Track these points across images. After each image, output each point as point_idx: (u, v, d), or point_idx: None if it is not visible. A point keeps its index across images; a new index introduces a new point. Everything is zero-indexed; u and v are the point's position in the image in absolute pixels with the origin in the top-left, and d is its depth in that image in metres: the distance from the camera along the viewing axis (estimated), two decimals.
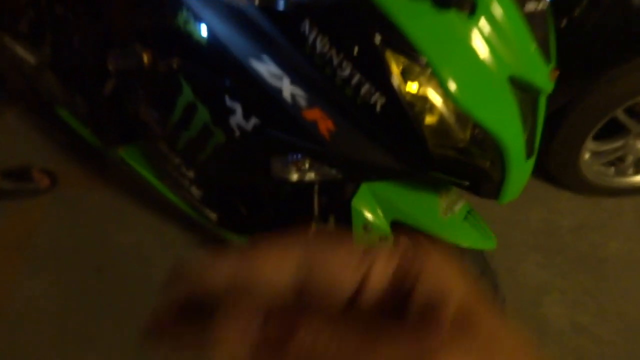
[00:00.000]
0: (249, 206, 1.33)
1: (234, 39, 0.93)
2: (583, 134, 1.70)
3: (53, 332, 1.48)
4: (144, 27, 1.15)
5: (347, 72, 0.80)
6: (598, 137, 1.78)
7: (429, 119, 0.81)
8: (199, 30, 0.97)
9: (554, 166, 1.88)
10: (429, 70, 0.79)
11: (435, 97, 0.80)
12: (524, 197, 1.99)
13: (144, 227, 1.75)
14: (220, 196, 1.28)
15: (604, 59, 1.51)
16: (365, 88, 0.80)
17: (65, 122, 1.69)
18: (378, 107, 0.81)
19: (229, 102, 0.96)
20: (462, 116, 0.82)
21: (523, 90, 0.85)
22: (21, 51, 1.61)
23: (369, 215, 1.06)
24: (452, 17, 0.78)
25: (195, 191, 1.27)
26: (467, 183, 0.91)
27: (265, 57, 0.89)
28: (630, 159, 1.85)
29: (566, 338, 1.63)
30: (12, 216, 1.74)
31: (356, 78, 0.80)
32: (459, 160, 0.87)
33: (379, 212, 1.06)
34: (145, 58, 1.08)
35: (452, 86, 0.79)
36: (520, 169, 0.90)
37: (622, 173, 1.91)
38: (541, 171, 2.04)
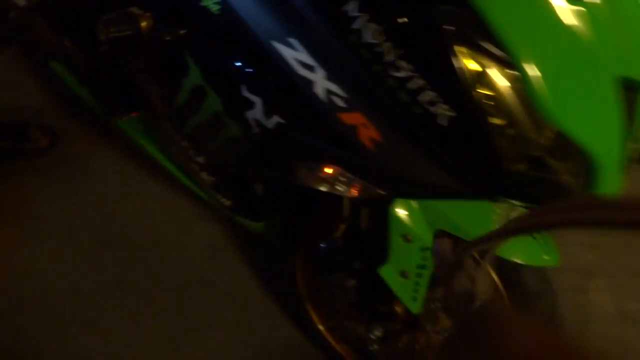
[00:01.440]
0: (265, 194, 1.17)
1: (255, 14, 0.72)
2: None
3: (56, 310, 1.38)
4: None
5: (403, 72, 0.61)
6: None
7: (508, 133, 0.62)
8: (215, 3, 0.76)
9: None
10: (514, 73, 0.59)
11: (518, 108, 0.61)
12: None
13: (150, 195, 1.61)
14: (234, 184, 1.12)
15: None
16: (426, 95, 0.61)
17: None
18: (442, 119, 0.61)
19: (246, 93, 0.77)
20: (540, 123, 0.62)
21: (633, 90, 0.65)
22: None
23: (410, 224, 0.89)
24: None
25: (206, 177, 1.11)
26: (539, 202, 0.73)
27: (294, 41, 0.69)
28: None
29: (612, 326, 1.51)
30: (8, 181, 1.59)
31: (415, 82, 0.60)
32: (534, 176, 0.69)
33: (422, 221, 0.89)
34: (144, 23, 0.88)
35: (544, 93, 0.59)
36: (609, 186, 0.71)
37: None
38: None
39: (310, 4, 0.65)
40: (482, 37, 0.58)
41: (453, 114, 0.60)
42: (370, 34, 0.60)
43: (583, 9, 0.57)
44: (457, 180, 0.69)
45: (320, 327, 1.32)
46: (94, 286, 1.43)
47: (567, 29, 0.58)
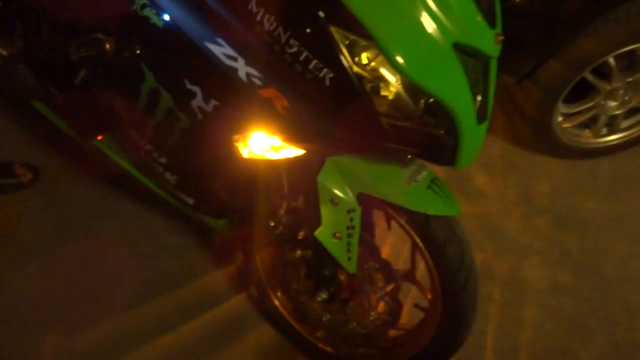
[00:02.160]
0: (224, 188, 1.36)
1: (189, 23, 0.94)
2: (553, 98, 1.72)
3: (42, 328, 1.52)
4: (104, 15, 1.17)
5: (294, 49, 0.82)
6: (569, 100, 1.81)
7: (379, 91, 0.83)
8: (156, 15, 0.98)
9: (528, 131, 1.91)
10: (374, 43, 0.80)
11: (382, 70, 0.82)
12: (500, 164, 2.04)
13: (127, 215, 1.78)
14: (195, 181, 1.31)
15: (567, 21, 1.52)
16: (312, 64, 0.82)
17: (42, 116, 1.71)
18: (327, 81, 0.83)
19: (189, 85, 0.98)
20: (412, 87, 0.84)
21: (469, 55, 0.87)
22: None
23: (335, 190, 1.09)
24: None
25: (169, 177, 1.30)
26: (421, 151, 0.93)
27: (220, 40, 0.91)
28: (602, 119, 1.88)
29: (546, 298, 1.68)
30: None
31: (303, 54, 0.82)
32: (412, 130, 0.89)
33: (345, 186, 1.09)
34: (107, 45, 1.10)
35: (398, 57, 0.80)
36: (473, 134, 0.91)
37: (596, 134, 1.94)
38: (515, 137, 2.07)
39: (226, 8, 0.88)
40: (343, 14, 0.79)
41: (332, 75, 0.81)
42: (268, 23, 0.82)
43: None
44: (353, 133, 0.89)
45: (283, 311, 1.49)
46: (77, 298, 1.58)
47: (407, 9, 0.80)
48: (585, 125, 1.93)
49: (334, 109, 0.86)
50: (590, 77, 1.70)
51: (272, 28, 0.83)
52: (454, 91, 0.86)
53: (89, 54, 1.08)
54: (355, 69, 0.82)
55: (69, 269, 1.64)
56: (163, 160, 1.26)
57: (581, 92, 1.81)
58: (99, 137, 1.47)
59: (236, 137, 0.99)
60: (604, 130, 1.94)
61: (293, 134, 0.93)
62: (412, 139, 0.90)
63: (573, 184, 1.98)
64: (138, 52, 1.05)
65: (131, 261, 1.67)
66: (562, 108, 1.80)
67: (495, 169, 2.02)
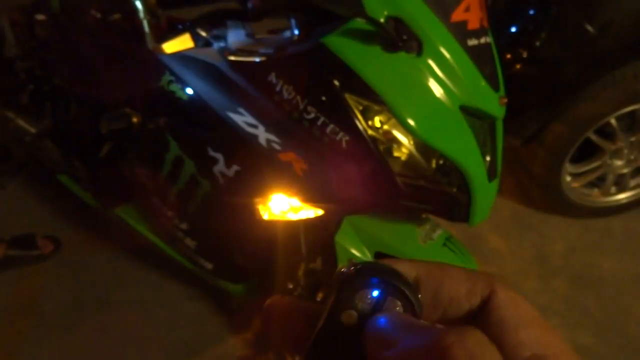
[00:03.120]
0: (242, 253, 1.39)
1: (212, 95, 1.02)
2: (560, 158, 1.76)
3: None
4: (132, 92, 1.26)
5: (312, 115, 0.89)
6: (576, 160, 1.85)
7: (393, 152, 0.89)
8: (181, 89, 1.06)
9: (538, 192, 1.94)
10: (386, 108, 0.87)
11: (395, 132, 0.88)
12: (512, 225, 2.06)
13: (144, 284, 1.80)
14: (214, 245, 1.34)
15: (568, 84, 1.60)
16: (329, 128, 0.88)
17: (66, 190, 1.78)
18: (344, 144, 0.88)
19: (211, 152, 1.04)
20: (424, 147, 0.89)
21: (476, 117, 0.93)
22: (22, 123, 1.71)
23: (352, 250, 1.12)
24: (403, 57, 0.87)
25: (189, 242, 1.33)
26: (436, 209, 0.97)
27: (241, 109, 0.98)
28: (610, 178, 1.91)
29: None
30: (18, 283, 1.79)
31: (321, 120, 0.88)
32: (426, 188, 0.93)
33: (362, 245, 1.12)
34: (134, 119, 1.17)
35: (410, 121, 0.86)
36: (485, 191, 0.96)
37: (605, 192, 1.96)
38: (526, 198, 2.10)
39: (247, 80, 0.95)
40: (357, 82, 0.86)
41: (348, 138, 0.87)
42: (287, 92, 0.89)
43: (420, 62, 0.87)
44: (369, 193, 0.94)
45: None
46: None
47: (414, 75, 0.87)
48: (594, 184, 1.96)
49: (351, 170, 0.91)
50: (594, 137, 1.75)
51: (290, 97, 0.90)
52: (464, 150, 0.91)
53: (118, 127, 1.15)
54: (370, 132, 0.87)
55: (87, 340, 1.64)
56: (184, 226, 1.30)
57: (588, 151, 1.86)
58: (120, 207, 1.52)
59: (257, 199, 1.04)
60: (613, 189, 1.97)
61: (312, 195, 0.97)
62: (427, 196, 0.94)
63: (587, 243, 1.98)
64: (163, 123, 1.12)
65: (148, 330, 1.66)
66: (569, 168, 1.84)
67: (509, 229, 2.04)
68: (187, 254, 1.40)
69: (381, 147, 0.88)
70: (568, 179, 1.88)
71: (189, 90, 1.05)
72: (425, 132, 0.87)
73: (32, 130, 1.70)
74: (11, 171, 2.19)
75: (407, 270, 0.24)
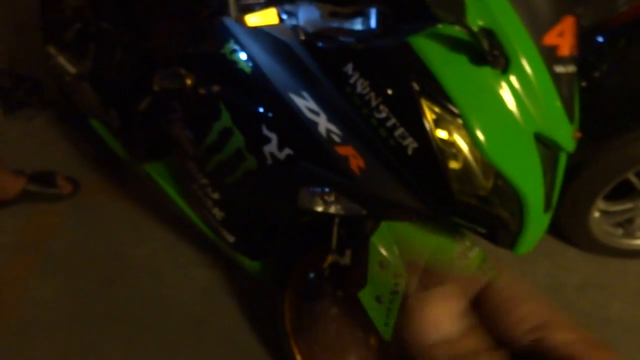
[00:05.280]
0: (266, 232, 1.37)
1: (276, 73, 0.98)
2: (594, 193, 1.73)
3: (59, 340, 1.50)
4: (189, 52, 1.22)
5: (383, 114, 0.85)
6: (609, 197, 1.82)
7: (456, 165, 0.86)
8: (244, 61, 1.03)
9: (564, 222, 1.92)
10: (459, 120, 0.83)
11: (463, 146, 0.85)
12: (531, 250, 2.03)
13: (157, 241, 1.79)
14: (241, 220, 1.32)
15: (621, 121, 1.56)
16: (398, 131, 0.85)
17: (92, 133, 1.76)
18: (409, 150, 0.85)
19: (265, 131, 1.01)
20: (486, 166, 0.86)
21: (546, 146, 0.90)
22: (63, 61, 1.68)
23: (385, 253, 1.09)
24: (487, 71, 0.83)
25: (217, 212, 1.31)
26: (484, 231, 0.94)
27: (305, 93, 0.95)
28: (638, 221, 1.88)
29: None
30: (31, 218, 1.78)
31: (391, 121, 0.85)
32: (480, 208, 0.91)
33: (396, 250, 1.10)
34: (189, 81, 1.14)
35: (481, 137, 0.83)
36: (538, 222, 0.93)
37: (630, 235, 1.93)
38: (550, 225, 2.07)
39: (318, 64, 0.92)
40: (436, 89, 0.83)
41: (416, 145, 0.84)
42: (361, 86, 0.86)
43: (504, 80, 0.83)
44: (423, 202, 0.91)
45: None
46: (96, 316, 1.57)
47: (495, 93, 0.83)
48: (620, 224, 1.94)
49: (410, 177, 0.88)
50: (634, 179, 1.72)
51: (364, 92, 0.86)
52: (528, 177, 0.88)
53: (171, 86, 1.12)
54: (439, 142, 0.84)
55: (92, 287, 1.63)
56: (215, 195, 1.28)
57: (621, 191, 1.82)
58: (151, 163, 1.50)
59: (302, 188, 1.01)
60: (638, 233, 1.94)
61: (362, 195, 0.95)
62: (479, 217, 0.92)
63: (602, 282, 1.97)
64: (218, 91, 1.09)
65: (154, 291, 1.66)
66: (600, 204, 1.82)
67: (526, 254, 2.01)
68: (211, 222, 1.39)
69: (445, 158, 0.85)
70: (596, 214, 1.85)
71: (252, 64, 1.01)
72: (495, 152, 0.84)
73: (73, 70, 1.67)
74: (40, 105, 2.16)
75: None
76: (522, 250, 0.96)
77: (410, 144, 0.85)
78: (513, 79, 0.84)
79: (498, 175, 0.87)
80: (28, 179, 1.79)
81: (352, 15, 0.89)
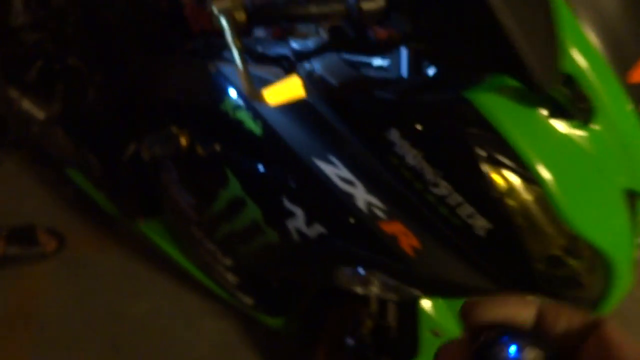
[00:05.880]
0: (290, 289, 1.21)
1: (294, 134, 0.80)
2: None
3: None
4: (178, 102, 1.03)
5: (443, 191, 0.69)
6: None
7: (538, 242, 0.70)
8: (251, 119, 0.84)
9: None
10: (539, 188, 0.67)
11: (545, 218, 0.69)
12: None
13: (159, 294, 1.61)
14: (259, 282, 1.16)
15: None
16: (465, 210, 0.68)
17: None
18: (480, 231, 0.69)
19: (287, 204, 0.83)
20: (573, 237, 0.70)
21: (633, 197, 0.74)
22: (28, 105, 1.46)
23: (438, 319, 0.94)
24: (565, 124, 0.67)
25: (230, 277, 1.15)
26: (565, 299, 0.79)
27: (333, 158, 0.77)
28: None
29: None
30: (16, 286, 1.59)
31: (455, 199, 0.68)
32: (564, 280, 0.76)
33: (451, 316, 0.94)
34: (183, 140, 0.96)
35: (565, 205, 0.67)
36: (625, 282, 0.79)
37: None
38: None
39: (348, 125, 0.74)
40: (508, 156, 0.66)
41: (490, 226, 0.67)
42: (412, 158, 0.69)
43: (587, 133, 0.67)
44: (490, 280, 0.75)
45: None
46: None
47: (577, 149, 0.67)
48: None
49: (480, 258, 0.72)
50: None
51: (416, 164, 0.69)
52: (617, 241, 0.74)
53: (164, 153, 0.93)
54: (518, 221, 0.68)
55: (97, 357, 1.46)
56: (227, 262, 1.11)
57: None
58: (145, 221, 1.31)
59: (340, 267, 0.84)
60: None
61: (418, 277, 0.79)
62: (561, 287, 0.77)
63: None
64: (222, 154, 0.91)
65: (165, 349, 1.49)
66: None
67: None
68: (224, 285, 1.22)
69: (524, 234, 0.69)
70: None
71: (263, 123, 0.83)
72: (581, 221, 0.68)
73: (40, 114, 1.46)
74: (6, 146, 1.94)
75: (525, 310, 0.27)
76: (607, 310, 0.82)
77: (482, 223, 0.69)
78: (599, 129, 0.68)
79: (585, 244, 0.71)
80: (5, 240, 1.59)
81: (377, 53, 0.71)
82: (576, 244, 0.72)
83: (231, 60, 0.76)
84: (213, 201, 0.97)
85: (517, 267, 0.71)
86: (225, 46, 0.79)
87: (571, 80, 0.65)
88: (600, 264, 0.75)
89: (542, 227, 0.69)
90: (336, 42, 0.69)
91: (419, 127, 0.68)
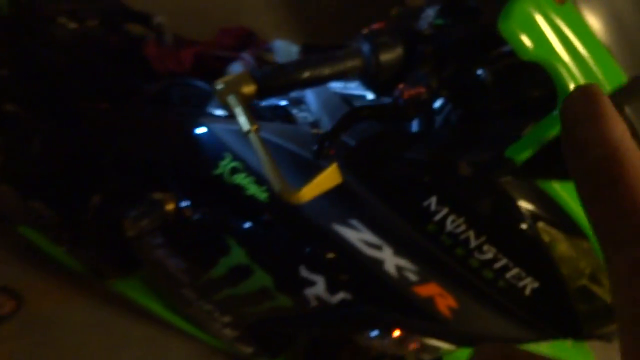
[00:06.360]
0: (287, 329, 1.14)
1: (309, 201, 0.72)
2: None
3: None
4: (155, 161, 0.92)
5: (489, 255, 0.64)
6: None
7: (586, 298, 0.67)
8: (255, 184, 0.76)
9: None
10: (587, 243, 0.64)
11: (594, 273, 0.66)
12: None
13: (140, 343, 1.50)
14: (262, 333, 1.08)
15: None
16: (512, 272, 0.64)
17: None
18: (527, 291, 0.65)
19: (306, 273, 0.76)
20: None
21: None
22: None
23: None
24: None
25: (229, 332, 1.06)
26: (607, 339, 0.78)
27: (355, 222, 0.70)
28: None
29: None
30: None
31: (501, 262, 0.64)
32: (599, 311, 0.74)
33: None
34: (170, 206, 0.85)
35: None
36: None
37: None
38: None
39: (378, 196, 0.67)
40: (554, 211, 0.62)
41: (537, 285, 0.64)
42: (453, 224, 0.63)
43: None
44: (533, 331, 0.72)
45: None
46: None
47: None
48: None
49: (526, 315, 0.68)
50: None
51: (458, 230, 0.63)
52: None
53: (153, 226, 0.83)
54: (567, 278, 0.64)
55: None
56: (226, 319, 1.02)
57: None
58: (121, 279, 1.19)
59: (364, 330, 0.78)
60: None
61: (459, 339, 0.74)
62: (601, 322, 0.75)
63: None
64: (220, 220, 0.82)
65: None
66: None
67: None
68: (221, 338, 1.13)
69: (574, 294, 0.66)
70: None
71: (268, 187, 0.74)
72: None
73: None
74: None
75: None
76: None
77: (529, 283, 0.65)
78: None
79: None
80: None
81: (407, 118, 0.64)
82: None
83: (218, 117, 0.67)
84: (211, 268, 0.87)
85: (562, 316, 0.68)
86: (207, 98, 0.69)
87: None
88: None
89: (589, 280, 0.66)
90: (359, 112, 0.62)
91: (459, 191, 0.62)
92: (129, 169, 0.96)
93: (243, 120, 0.55)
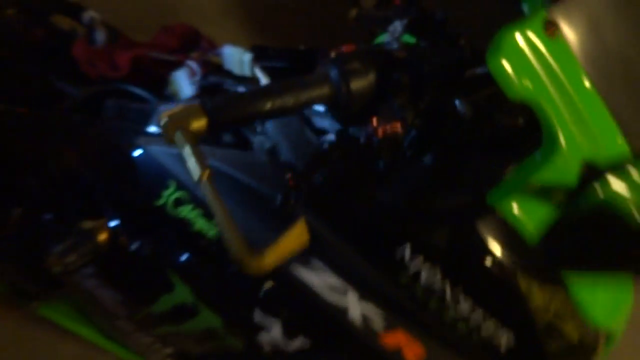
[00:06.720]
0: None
1: (261, 234, 0.64)
2: None
3: None
4: (84, 182, 0.80)
5: (465, 306, 0.58)
6: None
7: (560, 344, 0.63)
8: (202, 217, 0.67)
9: None
10: (565, 291, 0.60)
11: (568, 319, 0.62)
12: None
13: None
14: None
15: None
16: (488, 323, 0.59)
17: None
18: (502, 341, 0.60)
19: (260, 317, 0.68)
20: (593, 333, 0.65)
21: None
22: None
23: None
24: None
25: None
26: None
27: (316, 262, 0.63)
28: None
29: None
30: None
31: (477, 314, 0.58)
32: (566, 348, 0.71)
33: None
34: (102, 235, 0.75)
35: (589, 302, 0.61)
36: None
37: None
38: None
39: (341, 236, 0.60)
40: (522, 257, 0.58)
41: (511, 336, 0.59)
42: (429, 276, 0.57)
43: None
44: None
45: None
46: None
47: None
48: None
49: None
50: None
51: (433, 282, 0.58)
52: (620, 320, 0.70)
53: (82, 262, 0.72)
54: (542, 326, 0.60)
55: None
56: (168, 350, 0.93)
57: None
58: (45, 304, 1.07)
59: None
60: None
61: None
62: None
63: None
64: (162, 254, 0.72)
65: None
66: None
67: None
68: None
69: (548, 343, 0.62)
70: None
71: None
72: (605, 316, 0.63)
73: None
74: None
75: None
76: None
77: (505, 336, 0.60)
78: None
79: (603, 334, 0.67)
80: None
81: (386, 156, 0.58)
82: (596, 337, 0.67)
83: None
84: (151, 303, 0.78)
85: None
86: (147, 112, 0.60)
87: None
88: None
89: (563, 327, 0.62)
90: (328, 156, 0.54)
91: (435, 239, 0.56)
92: (52, 184, 0.84)
93: (192, 165, 0.46)
